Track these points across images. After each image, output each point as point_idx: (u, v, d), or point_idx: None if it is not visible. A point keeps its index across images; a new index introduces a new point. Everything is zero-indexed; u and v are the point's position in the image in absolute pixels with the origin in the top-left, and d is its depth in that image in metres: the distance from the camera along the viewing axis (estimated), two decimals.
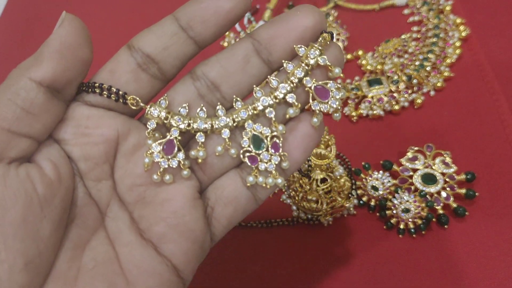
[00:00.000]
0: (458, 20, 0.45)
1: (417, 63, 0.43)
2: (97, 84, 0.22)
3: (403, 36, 0.46)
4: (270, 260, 0.35)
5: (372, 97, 0.42)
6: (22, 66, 0.20)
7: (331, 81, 0.22)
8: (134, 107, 0.22)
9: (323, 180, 0.35)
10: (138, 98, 0.22)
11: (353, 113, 0.41)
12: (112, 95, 0.22)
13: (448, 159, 0.37)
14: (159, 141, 0.22)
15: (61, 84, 0.21)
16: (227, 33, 0.49)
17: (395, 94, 0.42)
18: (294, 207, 0.37)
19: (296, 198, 0.36)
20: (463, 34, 0.44)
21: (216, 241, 0.24)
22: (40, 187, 0.20)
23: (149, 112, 0.22)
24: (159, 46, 0.22)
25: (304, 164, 0.35)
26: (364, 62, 0.45)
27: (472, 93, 0.41)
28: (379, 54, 0.45)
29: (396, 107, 0.41)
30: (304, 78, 0.21)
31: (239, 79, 0.22)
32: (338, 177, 0.36)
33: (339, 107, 0.22)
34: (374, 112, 0.41)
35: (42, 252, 0.20)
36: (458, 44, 0.44)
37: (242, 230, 0.36)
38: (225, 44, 0.48)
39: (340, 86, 0.22)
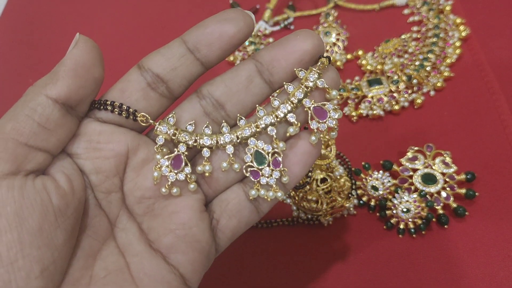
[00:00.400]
0: (458, 20, 0.45)
1: (417, 63, 0.43)
2: (109, 102, 0.23)
3: (403, 36, 0.46)
4: (270, 260, 0.35)
5: (372, 97, 0.42)
6: (39, 84, 0.22)
7: (328, 103, 0.23)
8: (143, 124, 0.23)
9: (323, 180, 0.35)
10: (147, 116, 0.23)
11: (353, 113, 0.41)
12: (123, 112, 0.23)
13: (448, 159, 0.37)
14: (167, 156, 0.24)
15: (75, 101, 0.22)
16: None
17: (395, 94, 0.42)
18: (294, 207, 0.37)
19: (296, 198, 0.36)
20: (463, 34, 0.44)
21: (220, 252, 0.25)
22: (55, 198, 0.21)
23: (158, 129, 0.23)
24: (168, 67, 0.23)
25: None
26: (364, 62, 0.45)
27: (472, 93, 0.41)
28: (379, 54, 0.45)
29: (396, 107, 0.41)
30: (304, 99, 0.23)
31: (242, 98, 0.24)
32: (338, 177, 0.36)
33: (336, 127, 0.23)
34: (374, 112, 0.41)
35: (56, 260, 0.20)
36: (458, 44, 0.44)
37: None
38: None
39: (337, 107, 0.23)
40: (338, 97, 0.23)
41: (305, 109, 0.23)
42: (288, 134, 0.24)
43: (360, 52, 0.46)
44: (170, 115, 0.24)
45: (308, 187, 0.35)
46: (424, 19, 0.47)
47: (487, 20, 0.46)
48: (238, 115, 0.24)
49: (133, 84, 0.23)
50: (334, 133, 0.24)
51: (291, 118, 0.23)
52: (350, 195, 0.36)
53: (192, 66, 0.23)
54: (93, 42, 0.23)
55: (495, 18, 0.46)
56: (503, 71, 0.42)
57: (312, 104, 0.23)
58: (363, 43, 0.47)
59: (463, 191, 0.35)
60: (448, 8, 0.46)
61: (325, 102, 0.23)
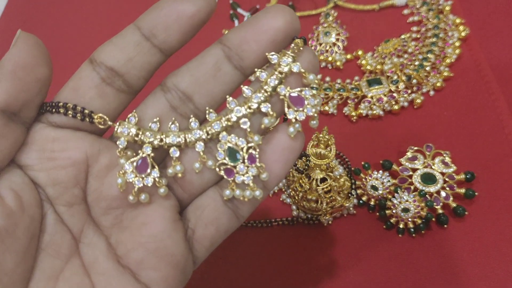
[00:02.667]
0: (458, 20, 0.45)
1: (416, 63, 0.43)
2: (61, 104, 0.20)
3: (402, 36, 0.46)
4: (270, 260, 0.35)
5: (371, 97, 0.42)
6: None
7: (306, 88, 0.21)
8: (102, 126, 0.21)
9: (323, 180, 0.35)
10: (105, 117, 0.21)
11: (353, 113, 0.42)
12: (77, 115, 0.20)
13: (447, 159, 0.37)
14: (131, 160, 0.21)
15: (17, 107, 0.19)
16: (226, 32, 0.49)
17: (394, 94, 0.42)
18: (294, 207, 0.37)
19: (296, 197, 0.36)
20: (463, 34, 0.44)
21: (199, 264, 0.23)
22: (0, 219, 0.19)
23: (118, 130, 0.21)
24: (122, 58, 0.20)
25: (302, 162, 0.35)
26: (363, 62, 0.45)
27: (472, 93, 0.41)
28: (378, 54, 0.45)
29: (396, 107, 0.41)
30: (278, 87, 0.21)
31: (211, 88, 0.21)
32: (338, 176, 0.36)
33: (315, 115, 0.21)
34: (374, 112, 0.41)
35: (7, 286, 0.19)
36: (457, 44, 0.44)
37: (242, 230, 0.36)
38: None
39: (315, 93, 0.21)
40: (317, 81, 0.21)
41: (281, 97, 0.21)
42: (263, 126, 0.21)
43: (359, 52, 0.46)
44: (130, 114, 0.21)
45: (308, 186, 0.35)
46: (424, 19, 0.47)
47: (486, 20, 0.46)
48: (207, 108, 0.21)
49: (85, 81, 0.21)
50: (314, 122, 0.21)
51: (265, 108, 0.21)
52: (349, 194, 0.36)
53: (150, 54, 0.21)
54: (35, 39, 0.20)
55: (495, 18, 0.46)
56: (503, 71, 0.42)
57: (288, 91, 0.21)
58: (362, 43, 0.47)
59: (462, 190, 0.35)
60: (447, 8, 0.46)
61: (302, 88, 0.21)
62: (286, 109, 0.21)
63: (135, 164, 0.21)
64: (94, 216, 0.22)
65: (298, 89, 0.21)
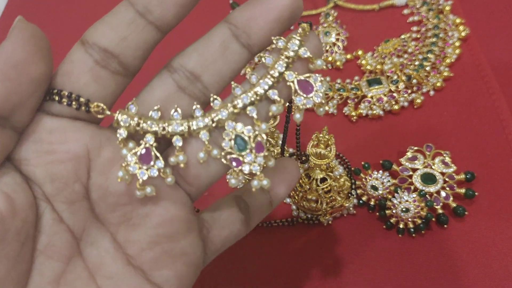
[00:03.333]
0: (458, 20, 0.45)
1: (416, 63, 0.43)
2: (55, 91, 0.19)
3: (402, 36, 0.46)
4: (270, 260, 0.35)
5: (371, 97, 0.42)
6: None
7: (313, 74, 0.20)
8: (99, 116, 0.19)
9: (323, 180, 0.35)
10: (103, 105, 0.19)
11: (353, 113, 0.42)
12: (73, 103, 0.19)
13: (447, 159, 0.37)
14: (133, 151, 0.20)
15: (7, 111, 0.18)
16: None
17: (394, 94, 0.42)
18: (294, 207, 0.37)
19: (296, 197, 0.36)
20: (463, 34, 0.44)
21: (206, 264, 0.23)
22: None
23: (118, 120, 0.20)
24: (116, 37, 0.19)
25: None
26: (363, 62, 0.45)
27: (472, 93, 0.41)
28: (378, 54, 0.45)
29: (396, 107, 0.41)
30: (286, 72, 0.20)
31: (219, 67, 0.20)
32: (338, 176, 0.36)
33: (323, 101, 0.20)
34: (374, 112, 0.41)
35: None
36: (457, 44, 0.44)
37: None
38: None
39: (323, 79, 0.20)
40: (324, 67, 0.21)
41: (288, 83, 0.20)
42: (270, 114, 0.20)
43: (359, 52, 0.46)
44: (130, 102, 0.20)
45: (307, 186, 0.35)
46: (424, 19, 0.47)
47: (486, 20, 0.46)
48: (212, 95, 0.20)
49: (78, 65, 0.19)
50: (322, 109, 0.20)
51: (273, 95, 0.20)
52: (349, 194, 0.36)
53: (145, 32, 0.19)
54: (33, 30, 0.18)
55: (495, 18, 0.46)
56: (503, 71, 0.42)
57: (296, 77, 0.20)
58: (362, 43, 0.47)
59: (462, 190, 0.35)
60: (447, 8, 0.46)
61: (310, 74, 0.20)
62: (293, 96, 0.20)
63: (138, 155, 0.20)
64: (99, 213, 0.21)
65: (307, 74, 0.20)
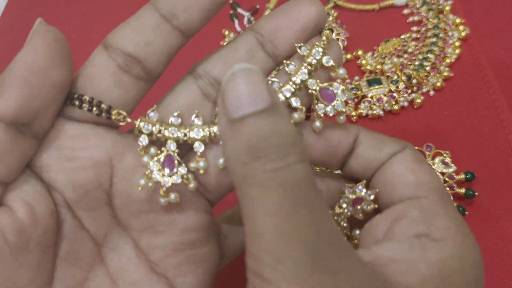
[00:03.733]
0: (458, 20, 0.45)
1: (416, 63, 0.43)
2: (76, 95, 0.18)
3: (402, 36, 0.46)
4: None
5: (371, 97, 0.42)
6: None
7: (335, 83, 0.20)
8: (121, 123, 0.19)
9: None
10: (124, 113, 0.19)
11: (353, 113, 0.42)
12: (93, 109, 0.18)
13: (447, 159, 0.37)
14: (156, 158, 0.20)
15: (28, 117, 0.17)
16: (227, 33, 0.49)
17: (394, 94, 0.42)
18: None
19: None
20: (463, 34, 0.44)
21: (219, 270, 0.23)
22: (11, 236, 0.17)
23: (140, 128, 0.19)
24: (140, 42, 0.19)
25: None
26: (363, 62, 0.45)
27: (472, 92, 0.41)
28: (378, 54, 0.45)
29: (396, 107, 0.41)
30: (308, 80, 0.20)
31: None
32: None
33: (345, 110, 0.20)
34: (374, 112, 0.41)
35: None
36: (457, 44, 0.44)
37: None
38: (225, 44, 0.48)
39: (344, 87, 0.20)
40: (346, 76, 0.21)
41: (310, 91, 0.20)
42: (292, 121, 0.19)
43: (359, 52, 0.46)
44: (151, 110, 0.20)
45: None
46: (424, 19, 0.47)
47: (486, 20, 0.46)
48: None
49: (101, 70, 0.19)
50: (342, 118, 0.21)
51: (295, 102, 0.20)
52: None
53: (170, 37, 0.19)
54: (54, 34, 0.17)
55: (495, 18, 0.46)
56: (503, 71, 0.42)
57: (318, 85, 0.20)
58: (362, 43, 0.47)
59: (462, 190, 0.35)
60: (447, 8, 0.46)
61: (332, 83, 0.20)
62: (315, 104, 0.20)
63: (160, 161, 0.20)
64: (122, 219, 0.20)
65: (328, 83, 0.20)
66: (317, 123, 0.20)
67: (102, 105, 0.19)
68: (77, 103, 0.18)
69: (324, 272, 0.15)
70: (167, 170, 0.20)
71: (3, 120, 0.17)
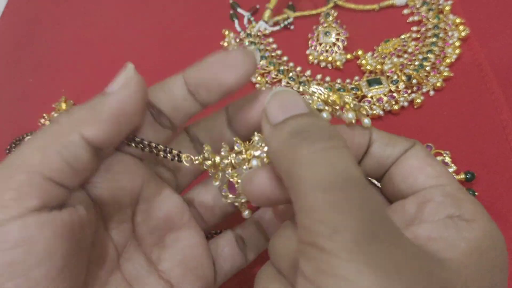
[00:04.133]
0: (458, 20, 0.45)
1: (416, 63, 0.43)
2: (146, 142, 0.23)
3: (402, 36, 0.46)
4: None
5: (371, 97, 0.42)
6: (75, 117, 0.20)
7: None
8: (187, 164, 0.24)
9: None
10: (192, 156, 0.24)
11: None
12: (160, 152, 0.23)
13: (447, 159, 0.37)
14: (224, 184, 0.25)
15: (107, 146, 0.21)
16: (227, 33, 0.49)
17: (394, 94, 0.42)
18: None
19: None
20: (463, 34, 0.44)
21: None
22: (78, 232, 0.20)
23: (210, 166, 0.24)
24: (171, 106, 0.23)
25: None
26: (363, 62, 0.45)
27: (472, 93, 0.41)
28: (378, 54, 0.45)
29: (396, 107, 0.41)
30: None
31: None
32: None
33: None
34: (374, 112, 0.41)
35: None
36: (457, 44, 0.44)
37: None
38: (225, 44, 0.48)
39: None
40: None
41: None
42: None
43: (359, 52, 0.46)
44: (206, 150, 0.24)
45: None
46: (424, 19, 0.47)
47: (486, 20, 0.46)
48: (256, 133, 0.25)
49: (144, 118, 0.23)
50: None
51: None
52: None
53: (193, 106, 0.24)
54: (142, 84, 0.21)
55: (495, 18, 0.46)
56: (503, 71, 0.42)
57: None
58: (362, 43, 0.47)
59: None
60: (447, 8, 0.46)
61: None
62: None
63: (226, 187, 0.25)
64: (140, 234, 0.25)
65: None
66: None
67: (174, 152, 0.24)
68: (145, 147, 0.23)
69: (381, 242, 0.16)
70: (232, 193, 0.25)
71: (90, 143, 0.20)
